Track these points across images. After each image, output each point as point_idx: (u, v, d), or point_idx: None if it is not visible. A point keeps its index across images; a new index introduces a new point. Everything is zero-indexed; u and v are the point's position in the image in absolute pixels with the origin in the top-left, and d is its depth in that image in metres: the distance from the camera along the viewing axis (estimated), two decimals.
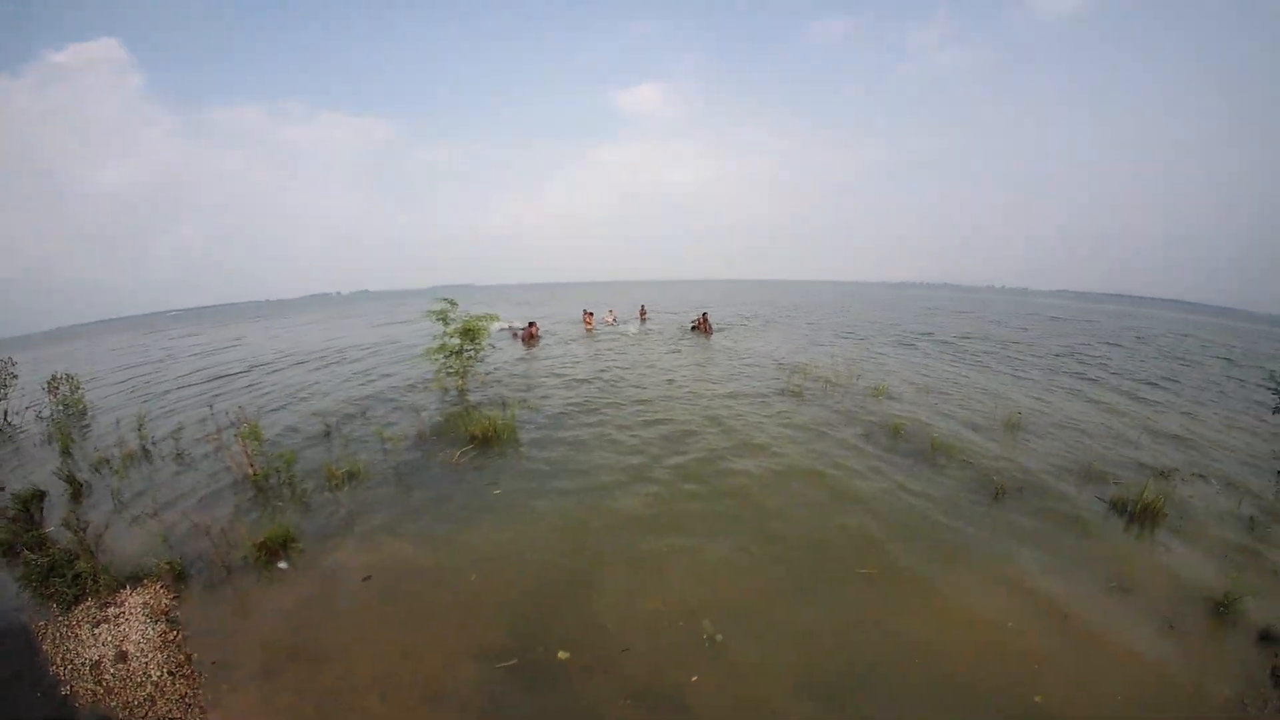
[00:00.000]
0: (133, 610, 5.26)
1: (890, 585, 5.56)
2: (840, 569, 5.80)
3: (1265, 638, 5.14)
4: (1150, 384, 16.17)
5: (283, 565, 5.97)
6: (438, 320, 12.52)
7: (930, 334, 25.78)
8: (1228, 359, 22.96)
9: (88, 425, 12.03)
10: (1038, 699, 4.27)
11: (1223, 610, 5.43)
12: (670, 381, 13.52)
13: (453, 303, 12.76)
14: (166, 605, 5.38)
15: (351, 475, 7.99)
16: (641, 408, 11.24)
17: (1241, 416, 13.29)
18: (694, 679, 4.36)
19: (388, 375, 15.11)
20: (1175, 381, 16.83)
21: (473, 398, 12.15)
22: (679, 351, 18.37)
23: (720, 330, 24.23)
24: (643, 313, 28.79)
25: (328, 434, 10.02)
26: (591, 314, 25.96)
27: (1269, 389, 10.41)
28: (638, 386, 13.01)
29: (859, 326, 28.45)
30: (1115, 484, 7.95)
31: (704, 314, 24.71)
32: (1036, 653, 4.77)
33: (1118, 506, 7.37)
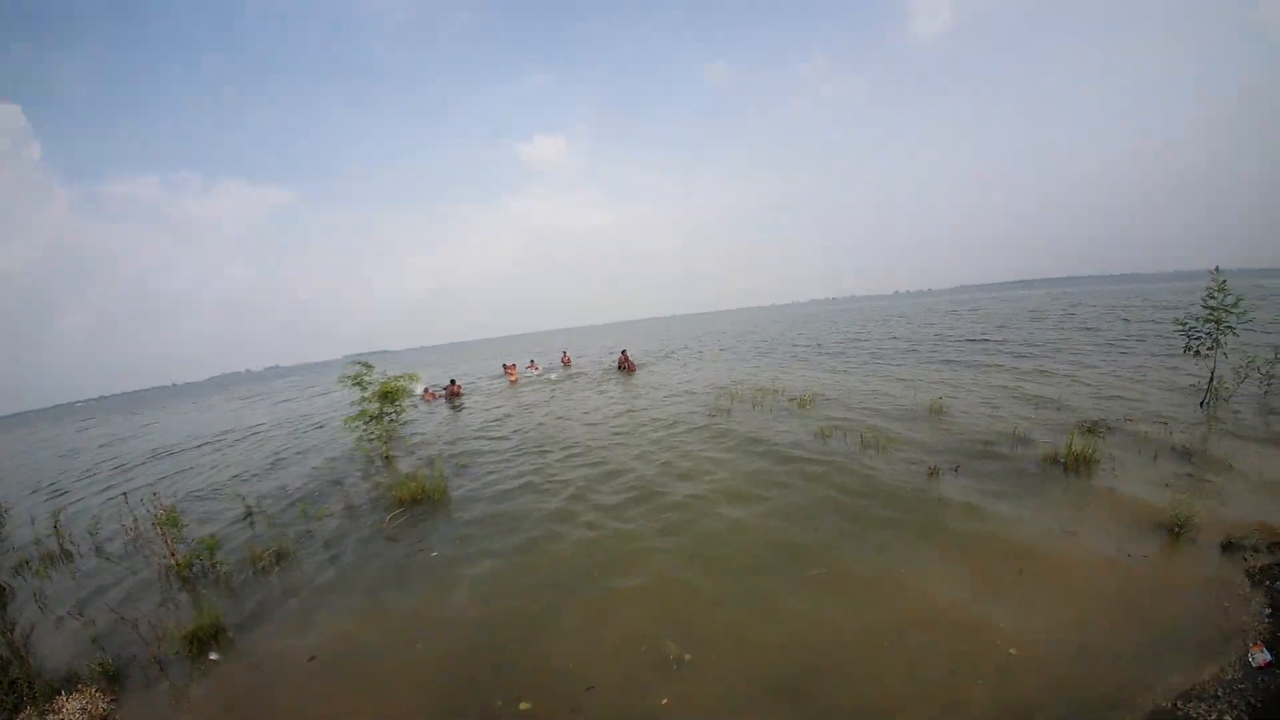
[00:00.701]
0: (72, 717, 4.89)
1: (843, 580, 5.63)
2: (792, 574, 5.82)
3: (1228, 547, 5.54)
4: (1055, 351, 17.83)
5: (214, 656, 5.56)
6: (354, 385, 12.07)
7: (851, 342, 27.56)
8: (1125, 320, 25.77)
9: (2, 528, 11.31)
10: (1012, 651, 4.35)
11: (1178, 531, 5.84)
12: (597, 424, 13.42)
13: (368, 366, 12.38)
14: (104, 709, 5.01)
15: (280, 555, 7.57)
16: (572, 451, 11.12)
17: (1149, 363, 14.73)
18: (664, 702, 4.25)
19: (305, 451, 14.49)
20: (1078, 347, 18.60)
21: (398, 462, 11.78)
22: (604, 392, 18.41)
23: (643, 366, 24.62)
24: (566, 359, 28.73)
25: (249, 515, 9.49)
26: (513, 366, 25.69)
27: (1177, 333, 11.26)
28: (566, 432, 12.87)
29: (776, 345, 29.98)
30: (1044, 444, 8.47)
31: (623, 352, 25.25)
32: (1001, 610, 4.91)
33: (1051, 462, 7.85)
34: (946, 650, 4.46)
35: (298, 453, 14.30)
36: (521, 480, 9.59)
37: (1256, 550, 5.47)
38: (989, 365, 16.74)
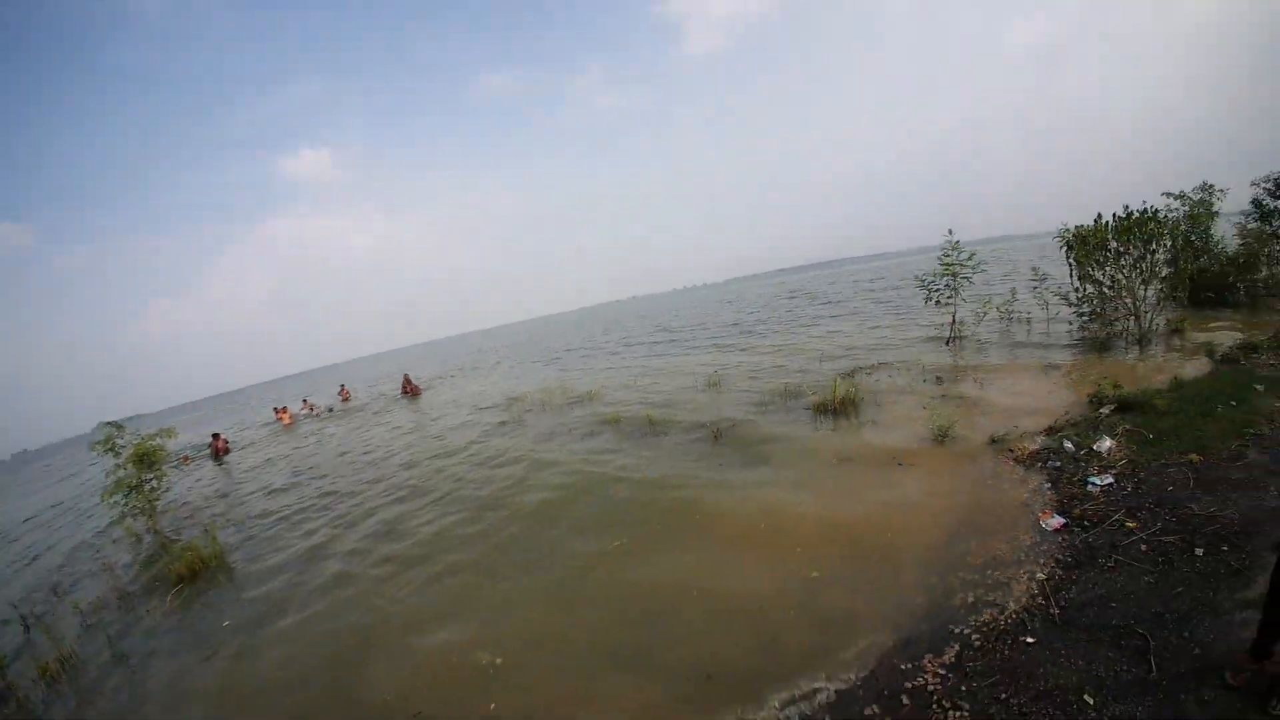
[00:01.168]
0: None
1: (646, 545, 5.61)
2: (591, 552, 5.71)
3: (994, 442, 6.36)
4: (817, 321, 20.13)
5: None
6: (106, 452, 10.21)
7: (631, 338, 28.92)
8: (870, 290, 29.35)
9: None
10: (814, 574, 4.49)
11: (942, 439, 6.61)
12: (379, 459, 12.03)
13: (119, 426, 10.53)
14: None
15: (64, 662, 6.03)
16: (356, 490, 9.92)
17: (898, 318, 16.96)
18: (492, 706, 3.92)
19: (57, 543, 11.77)
20: (838, 313, 21.29)
21: (170, 533, 9.97)
22: (386, 422, 16.81)
23: (430, 388, 23.35)
24: (345, 393, 25.97)
25: (25, 624, 7.42)
26: (285, 409, 22.55)
27: (918, 289, 13.44)
28: (349, 471, 11.50)
29: (562, 350, 30.39)
30: (814, 395, 9.23)
31: (405, 376, 24.03)
32: (799, 540, 5.08)
33: (821, 409, 8.61)
34: (757, 590, 4.48)
35: (51, 546, 11.62)
36: (306, 528, 8.51)
37: (1021, 441, 6.24)
38: (757, 341, 18.16)
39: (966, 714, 2.89)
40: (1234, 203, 12.68)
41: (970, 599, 3.78)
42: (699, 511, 5.94)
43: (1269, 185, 12.71)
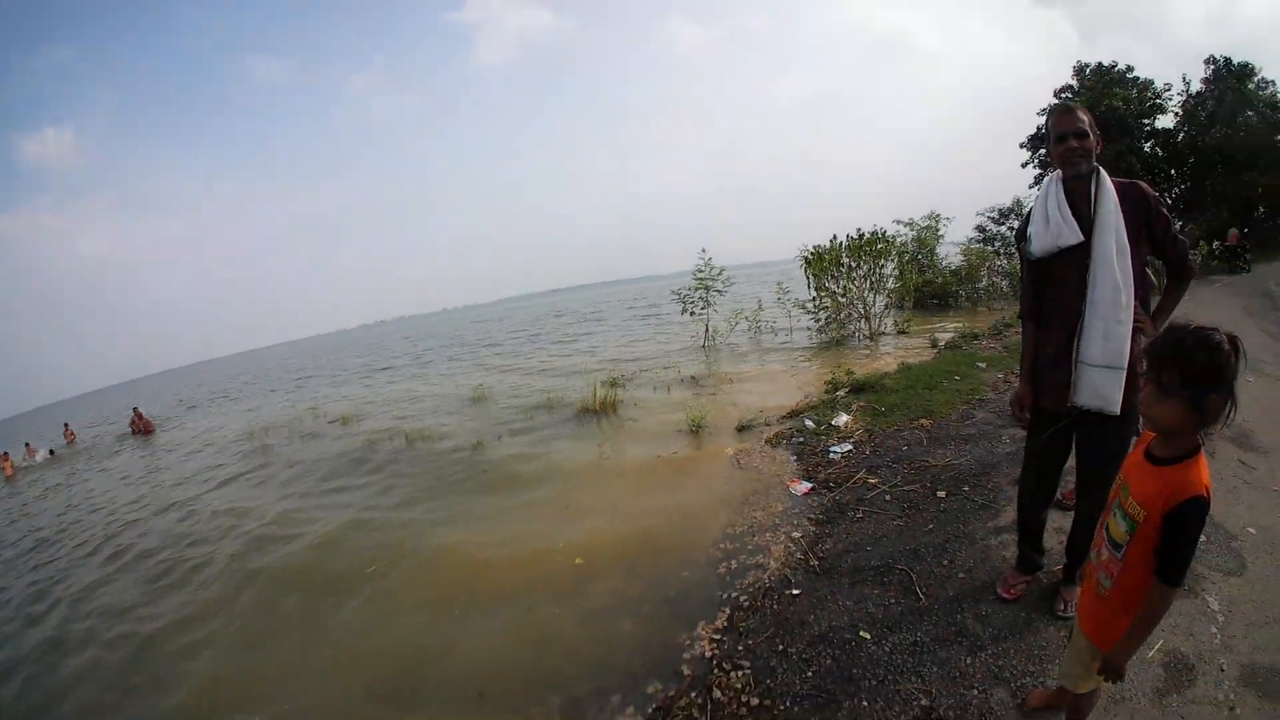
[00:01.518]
0: None
1: (403, 565, 4.87)
2: (349, 579, 4.81)
3: (743, 429, 6.62)
4: (578, 337, 19.89)
5: None
6: None
7: (393, 358, 27.72)
8: (631, 308, 30.46)
9: None
10: (578, 560, 4.24)
11: (697, 430, 6.78)
12: (107, 517, 8.82)
13: None
14: None
15: None
16: (90, 560, 7.02)
17: (658, 332, 17.16)
18: None
19: None
20: (603, 329, 21.22)
21: None
22: (109, 469, 13.07)
23: (164, 426, 19.05)
24: (69, 433, 20.78)
25: None
26: (7, 455, 17.23)
27: (673, 300, 14.70)
28: (83, 536, 8.10)
29: (315, 373, 28.29)
30: (577, 402, 9.10)
31: (135, 410, 19.46)
32: (566, 530, 4.85)
33: (584, 412, 8.61)
34: (529, 588, 4.07)
35: None
36: (36, 611, 5.82)
37: (768, 425, 6.56)
38: (523, 355, 18.33)
39: (748, 670, 2.68)
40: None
41: (734, 565, 3.65)
42: (457, 552, 5.07)
43: (991, 214, 16.31)
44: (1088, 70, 25.19)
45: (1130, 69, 25.03)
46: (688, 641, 3.07)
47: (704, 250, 13.57)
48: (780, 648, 2.75)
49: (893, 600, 2.90)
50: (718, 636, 3.01)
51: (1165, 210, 2.34)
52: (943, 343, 9.73)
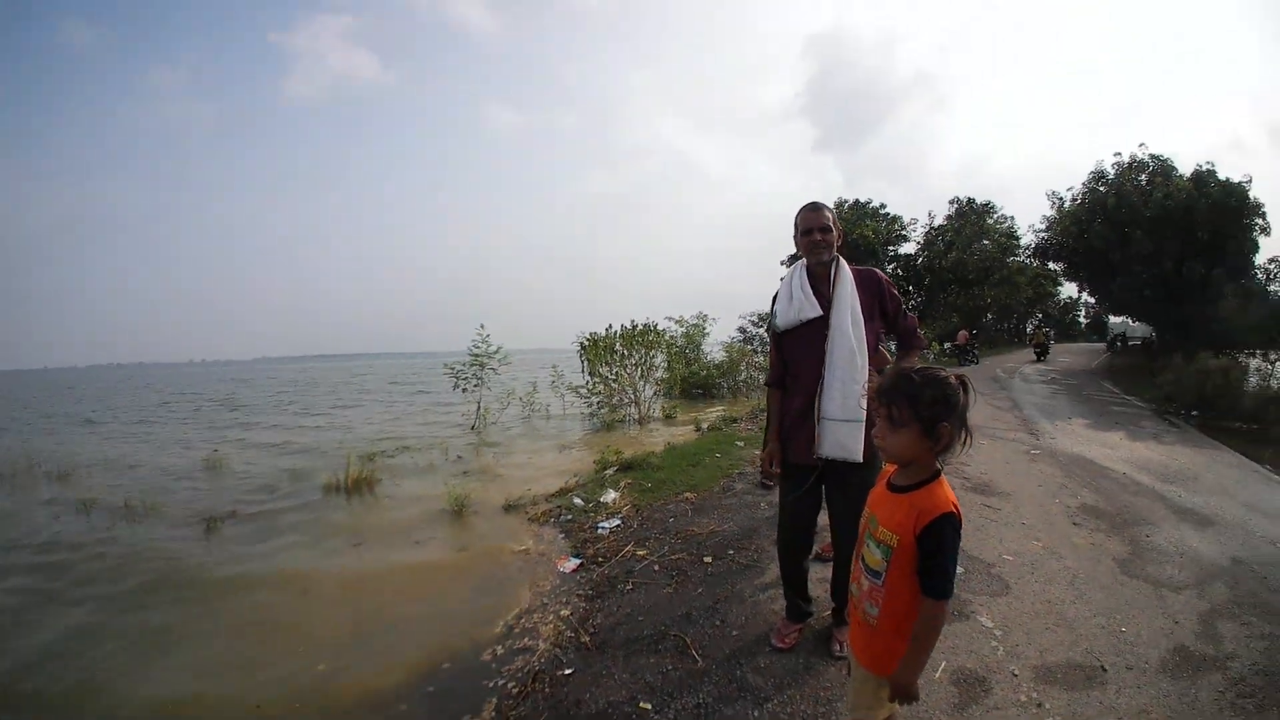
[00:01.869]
0: None
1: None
2: None
3: (509, 509, 6.26)
4: (340, 408, 18.24)
5: None
6: None
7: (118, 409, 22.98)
8: (395, 382, 28.84)
9: None
10: (321, 668, 3.52)
11: (459, 510, 6.29)
12: None
13: None
14: None
15: None
16: None
17: (427, 407, 16.19)
18: None
19: None
20: (367, 400, 19.62)
21: None
22: None
23: None
24: None
25: None
26: None
27: (446, 375, 13.69)
28: None
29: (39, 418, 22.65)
30: (326, 476, 8.13)
31: None
32: (303, 634, 4.04)
33: (333, 489, 7.68)
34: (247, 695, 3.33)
35: None
36: None
37: (536, 503, 6.29)
38: (274, 423, 16.28)
39: None
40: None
41: (500, 651, 3.32)
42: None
43: (752, 318, 18.50)
44: (846, 205, 30.73)
45: (883, 205, 31.36)
46: None
47: (482, 326, 13.25)
48: None
49: (670, 667, 2.78)
50: None
51: (896, 292, 2.73)
52: (705, 425, 10.35)
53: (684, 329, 17.61)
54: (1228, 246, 20.00)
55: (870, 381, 2.52)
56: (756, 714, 2.39)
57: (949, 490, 1.57)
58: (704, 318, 18.07)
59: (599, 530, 5.02)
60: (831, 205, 2.68)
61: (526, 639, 3.37)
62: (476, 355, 13.06)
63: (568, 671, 2.88)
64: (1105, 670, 2.75)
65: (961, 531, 1.55)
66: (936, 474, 1.60)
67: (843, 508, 2.65)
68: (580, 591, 3.90)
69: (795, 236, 2.69)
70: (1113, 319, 34.70)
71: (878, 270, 2.74)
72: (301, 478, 8.49)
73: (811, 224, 2.58)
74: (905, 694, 1.60)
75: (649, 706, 2.50)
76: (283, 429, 15.17)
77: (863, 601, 1.71)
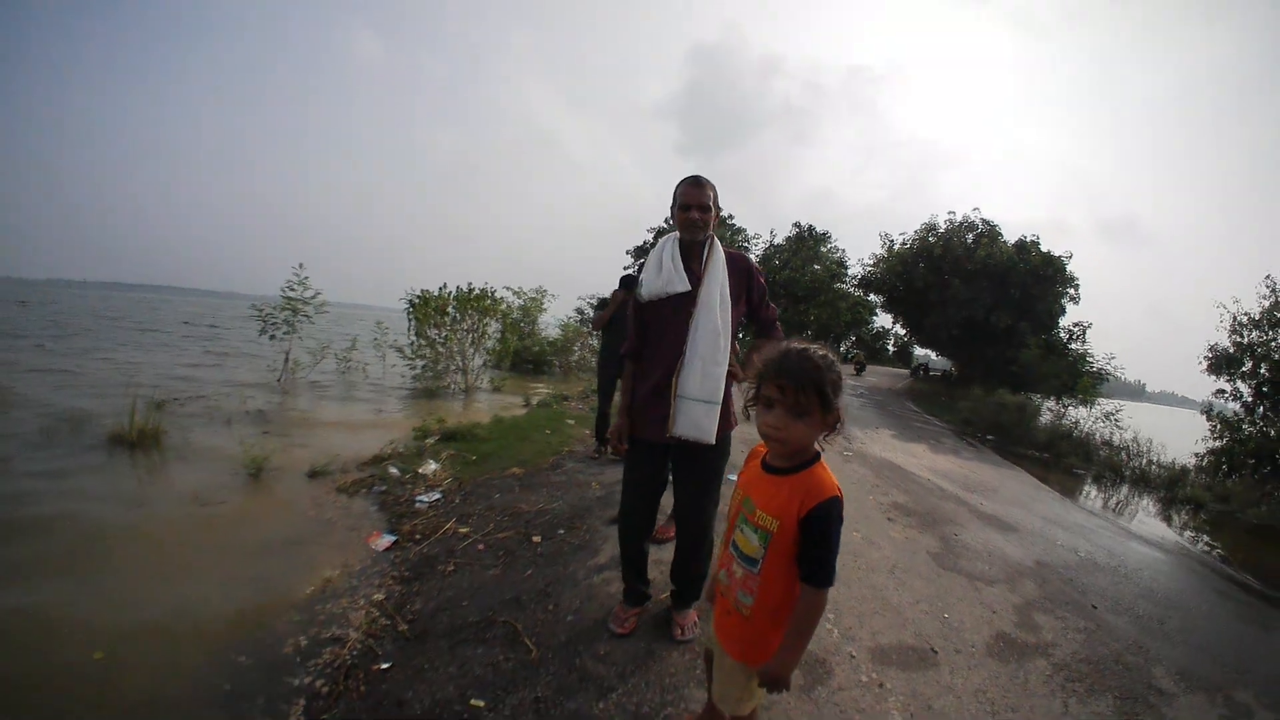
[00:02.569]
0: None
1: None
2: None
3: (314, 475, 5.53)
4: (125, 346, 15.71)
5: None
6: None
7: None
8: (213, 324, 25.37)
9: None
10: (98, 655, 2.82)
11: (256, 473, 5.48)
12: None
13: None
14: None
15: None
16: None
17: (230, 355, 14.33)
18: None
19: None
20: (159, 342, 16.98)
21: None
22: None
23: None
24: None
25: None
26: None
27: (252, 318, 11.74)
28: None
29: None
30: (111, 423, 6.77)
31: None
32: (81, 612, 3.26)
33: (119, 441, 6.39)
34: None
35: None
36: None
37: (346, 471, 5.67)
38: (59, 354, 13.22)
39: None
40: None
41: (305, 642, 2.88)
42: None
43: (591, 300, 19.97)
44: None
45: (731, 216, 33.11)
46: None
47: (301, 265, 11.60)
48: None
49: (501, 657, 2.59)
50: None
51: (763, 281, 2.70)
52: (535, 401, 10.12)
53: (522, 300, 17.15)
54: (1036, 306, 23.80)
55: (730, 363, 2.51)
56: (601, 705, 2.29)
57: (830, 473, 1.52)
58: (543, 293, 17.69)
59: (417, 504, 4.67)
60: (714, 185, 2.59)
61: (335, 628, 2.99)
62: (290, 299, 11.43)
63: (385, 666, 2.59)
64: (936, 653, 3.00)
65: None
66: (817, 456, 1.54)
67: (690, 490, 2.63)
68: (395, 573, 3.57)
69: (672, 209, 2.56)
70: (919, 350, 39.78)
71: (749, 256, 2.70)
72: (83, 426, 7.02)
73: (691, 200, 2.47)
74: (780, 684, 1.53)
75: (481, 703, 2.30)
76: (60, 367, 12.34)
77: (734, 590, 1.62)
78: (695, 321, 2.46)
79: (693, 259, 2.55)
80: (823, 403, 1.44)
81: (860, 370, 27.78)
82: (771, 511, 1.51)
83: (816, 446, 1.55)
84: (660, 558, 3.33)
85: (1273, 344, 12.33)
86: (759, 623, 1.58)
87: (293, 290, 11.47)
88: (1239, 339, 13.00)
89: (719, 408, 2.46)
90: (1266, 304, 12.57)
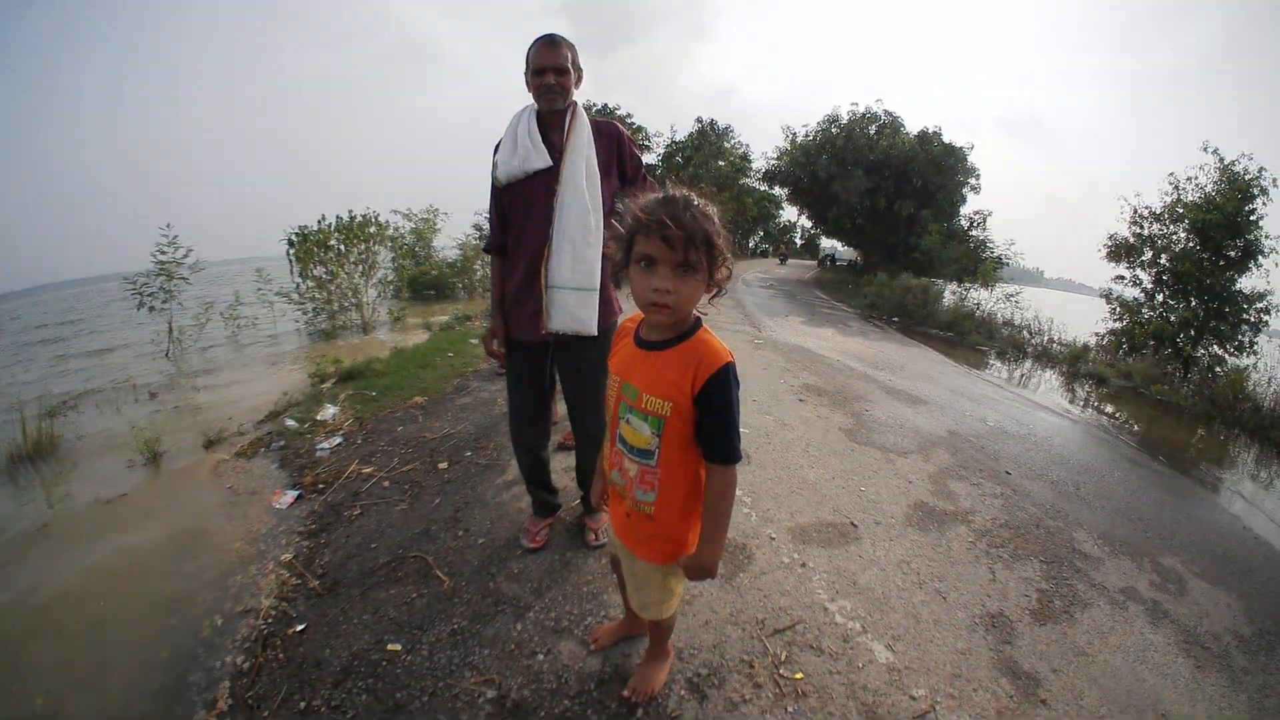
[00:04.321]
0: None
1: None
2: None
3: (211, 444, 5.09)
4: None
5: None
6: None
7: None
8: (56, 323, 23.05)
9: None
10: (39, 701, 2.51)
11: (153, 454, 5.04)
12: None
13: None
14: None
15: None
16: None
17: (108, 338, 13.12)
18: None
19: None
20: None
21: None
22: None
23: None
24: None
25: None
26: None
27: (128, 291, 10.55)
28: None
29: None
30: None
31: None
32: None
33: (17, 460, 5.65)
34: None
35: None
36: None
37: (242, 433, 5.32)
38: None
39: None
40: None
41: (220, 621, 2.73)
42: None
43: (486, 215, 18.07)
44: (594, 108, 30.22)
45: (630, 115, 31.22)
46: None
47: (169, 225, 10.26)
48: (303, 705, 2.11)
49: (415, 595, 2.52)
50: None
51: (638, 152, 2.44)
52: (437, 326, 9.70)
53: (413, 224, 16.03)
54: (938, 195, 24.08)
55: (605, 244, 2.24)
56: (519, 626, 2.26)
57: (715, 336, 1.36)
58: (435, 212, 16.49)
59: (318, 453, 4.42)
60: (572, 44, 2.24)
61: (248, 598, 2.84)
62: (163, 263, 10.26)
63: (300, 628, 2.48)
64: (856, 527, 3.04)
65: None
66: (699, 321, 1.38)
67: (577, 387, 2.47)
68: (302, 528, 3.38)
69: (525, 76, 2.20)
70: (824, 241, 39.95)
71: (618, 124, 2.45)
72: None
73: (545, 62, 2.13)
74: (706, 574, 1.42)
75: (398, 646, 2.24)
76: None
77: (632, 489, 1.46)
78: (560, 200, 2.19)
79: (552, 131, 2.24)
80: (711, 257, 1.27)
81: (783, 261, 27.98)
82: (660, 393, 1.34)
83: (696, 312, 1.38)
84: (568, 464, 3.27)
85: (1173, 237, 12.85)
86: (666, 519, 1.45)
87: (163, 253, 10.28)
88: (1139, 230, 13.51)
89: (596, 294, 2.26)
90: (1169, 200, 13.01)
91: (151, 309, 10.44)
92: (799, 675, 2.06)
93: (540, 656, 2.11)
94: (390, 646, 2.25)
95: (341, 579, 2.75)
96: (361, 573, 2.76)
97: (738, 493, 3.25)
